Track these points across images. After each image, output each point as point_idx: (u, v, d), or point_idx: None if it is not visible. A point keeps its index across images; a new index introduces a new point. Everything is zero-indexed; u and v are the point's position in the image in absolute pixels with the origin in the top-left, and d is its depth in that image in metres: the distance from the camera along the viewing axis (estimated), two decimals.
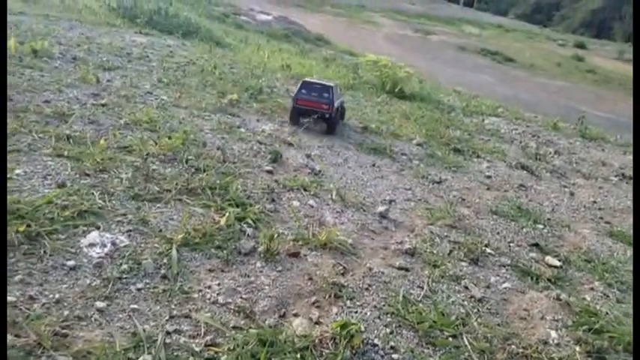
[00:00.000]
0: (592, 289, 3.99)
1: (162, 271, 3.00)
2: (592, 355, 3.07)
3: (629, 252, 4.87)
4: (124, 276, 2.88)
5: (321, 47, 22.66)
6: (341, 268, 3.49)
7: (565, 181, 6.90)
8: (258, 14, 28.64)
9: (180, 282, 2.94)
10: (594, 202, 6.21)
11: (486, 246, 4.30)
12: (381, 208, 4.63)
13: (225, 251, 3.32)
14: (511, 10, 62.42)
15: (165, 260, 3.10)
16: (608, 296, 3.91)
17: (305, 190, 4.70)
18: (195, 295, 2.87)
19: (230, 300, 2.89)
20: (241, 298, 2.93)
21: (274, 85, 9.19)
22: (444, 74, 22.41)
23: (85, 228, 3.27)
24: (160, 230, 3.45)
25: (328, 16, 37.08)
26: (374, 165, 6.01)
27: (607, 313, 3.53)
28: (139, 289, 2.81)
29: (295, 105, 6.73)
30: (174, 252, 3.16)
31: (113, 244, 3.16)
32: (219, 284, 3.02)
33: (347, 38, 27.55)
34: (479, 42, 36.10)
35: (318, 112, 6.57)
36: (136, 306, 2.66)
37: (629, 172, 7.97)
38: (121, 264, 2.97)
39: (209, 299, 2.85)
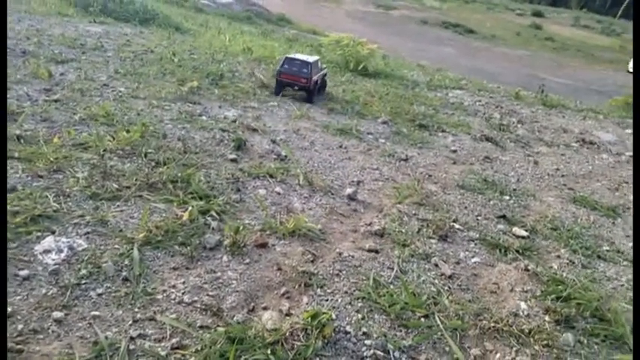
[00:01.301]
0: (558, 256, 4.06)
1: (124, 274, 2.88)
2: (560, 323, 3.13)
3: (592, 217, 5.00)
4: (83, 282, 2.76)
5: (284, 27, 22.25)
6: (310, 255, 3.44)
7: (529, 150, 7.01)
8: None
9: (144, 283, 2.84)
10: (557, 169, 6.33)
11: (454, 221, 4.32)
12: (349, 190, 4.59)
13: (189, 247, 3.22)
14: None
15: (126, 262, 2.99)
16: (574, 262, 3.99)
17: (271, 177, 4.60)
18: (160, 296, 2.77)
19: (196, 298, 2.81)
20: (208, 295, 2.85)
21: (236, 70, 8.95)
22: (408, 48, 22.39)
23: (39, 234, 3.11)
24: (121, 230, 3.32)
25: None
26: (341, 146, 5.95)
27: (573, 280, 3.61)
28: (99, 295, 2.69)
29: (278, 78, 7.62)
30: (135, 252, 3.05)
31: (70, 248, 3.02)
32: (184, 282, 2.92)
33: (309, 17, 27.12)
34: (440, 15, 36.17)
35: (297, 84, 7.47)
36: (96, 313, 2.55)
37: (589, 137, 8.17)
38: (79, 269, 2.84)
39: (174, 299, 2.76)
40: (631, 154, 7.56)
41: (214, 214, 3.68)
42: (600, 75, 24.43)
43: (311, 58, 7.66)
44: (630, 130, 9.21)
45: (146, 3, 15.60)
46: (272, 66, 9.68)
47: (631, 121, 10.19)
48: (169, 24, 13.67)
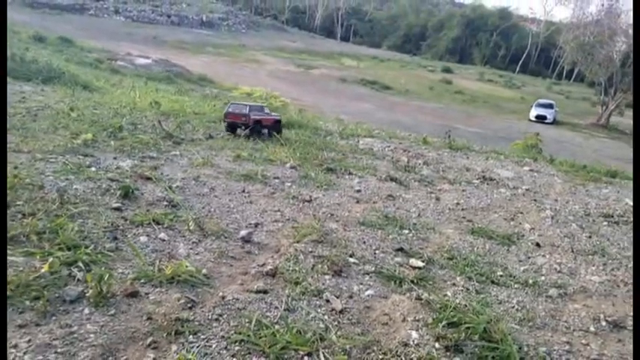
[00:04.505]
0: (454, 284, 4.05)
1: None
2: (450, 349, 3.04)
3: (488, 245, 5.11)
4: None
5: (205, 87, 22.30)
6: (188, 301, 3.15)
7: (432, 188, 7.21)
8: (136, 58, 27.57)
9: None
10: (458, 203, 6.52)
11: (351, 256, 4.22)
12: (243, 233, 4.38)
13: (41, 301, 2.83)
14: (384, 42, 67.37)
15: None
16: (468, 289, 3.98)
17: (158, 223, 4.30)
18: None
19: (40, 357, 2.43)
20: (56, 352, 2.48)
21: (140, 122, 8.67)
22: (328, 104, 23.15)
23: None
24: None
25: (211, 57, 36.88)
26: (243, 191, 5.78)
27: (465, 306, 3.57)
28: None
29: (225, 120, 9.50)
30: None
31: None
32: (29, 341, 2.53)
33: (231, 77, 27.47)
34: (358, 73, 38.10)
35: (238, 123, 9.27)
36: None
37: (490, 174, 8.59)
38: None
39: None
40: (527, 187, 8.01)
41: (81, 264, 3.32)
42: (506, 124, 26.49)
43: (253, 104, 9.95)
44: (527, 168, 9.84)
45: (51, 62, 15.09)
46: (179, 118, 9.52)
47: (528, 159, 10.94)
48: (76, 82, 13.19)
